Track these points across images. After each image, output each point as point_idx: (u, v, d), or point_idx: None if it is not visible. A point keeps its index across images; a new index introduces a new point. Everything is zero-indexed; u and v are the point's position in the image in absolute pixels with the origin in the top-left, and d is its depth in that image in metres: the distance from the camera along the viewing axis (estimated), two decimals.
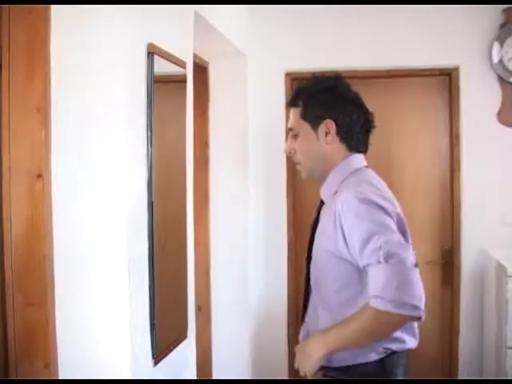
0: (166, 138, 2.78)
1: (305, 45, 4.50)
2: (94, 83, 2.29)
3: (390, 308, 1.90)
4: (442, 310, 4.57)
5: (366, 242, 1.99)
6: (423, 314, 1.93)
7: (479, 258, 4.38)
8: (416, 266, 1.96)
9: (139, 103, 2.42)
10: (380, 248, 1.95)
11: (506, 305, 3.67)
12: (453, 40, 4.44)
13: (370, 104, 4.68)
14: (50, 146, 2.28)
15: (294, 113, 2.31)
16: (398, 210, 2.15)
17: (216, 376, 4.33)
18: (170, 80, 2.91)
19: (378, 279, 1.95)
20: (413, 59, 4.44)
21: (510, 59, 4.37)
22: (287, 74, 4.55)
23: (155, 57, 2.50)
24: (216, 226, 4.34)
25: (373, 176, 2.28)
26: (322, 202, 2.41)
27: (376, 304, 1.93)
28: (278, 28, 4.51)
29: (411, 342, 2.21)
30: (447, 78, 4.55)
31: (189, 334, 2.96)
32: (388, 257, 1.94)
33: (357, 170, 2.26)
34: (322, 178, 2.35)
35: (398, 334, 2.11)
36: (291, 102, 2.34)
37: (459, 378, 4.46)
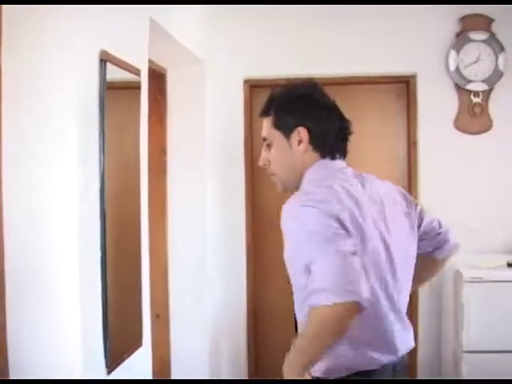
0: (120, 145, 2.77)
1: (263, 52, 4.51)
2: (45, 89, 2.28)
3: (324, 300, 1.80)
4: None
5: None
6: (364, 301, 1.80)
7: None
8: (354, 254, 1.87)
9: (91, 111, 2.40)
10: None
11: (462, 310, 3.71)
12: (410, 48, 4.49)
13: None
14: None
15: (267, 122, 2.23)
16: (339, 211, 1.98)
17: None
18: (124, 87, 2.90)
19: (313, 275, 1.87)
20: (371, 67, 4.47)
21: (466, 67, 4.43)
22: (246, 81, 4.56)
23: (108, 64, 2.49)
24: (174, 233, 4.31)
25: (335, 176, 2.15)
26: None
27: (312, 301, 1.84)
28: (237, 35, 4.50)
29: (384, 358, 2.09)
30: (405, 86, 4.60)
31: (144, 341, 2.94)
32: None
33: (323, 176, 2.15)
34: (296, 188, 2.24)
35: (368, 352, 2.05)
36: (263, 112, 2.26)
37: None
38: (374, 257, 2.02)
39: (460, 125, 4.49)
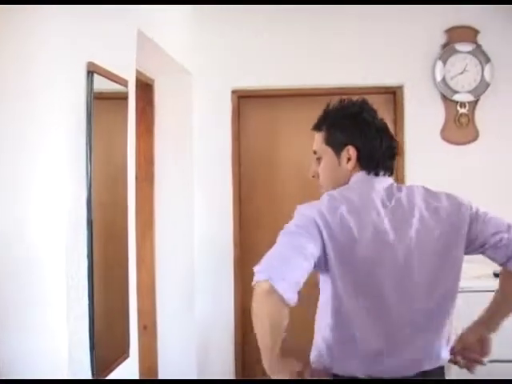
0: (108, 155, 2.77)
1: (251, 62, 4.52)
2: (32, 101, 2.27)
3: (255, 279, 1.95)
4: None
5: None
6: (282, 289, 1.88)
7: None
8: (297, 247, 1.99)
9: (78, 122, 2.40)
10: None
11: None
12: (397, 59, 4.52)
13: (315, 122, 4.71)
14: None
15: (318, 137, 2.30)
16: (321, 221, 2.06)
17: None
18: (112, 97, 2.90)
19: None
20: (359, 78, 4.49)
21: (452, 78, 4.46)
22: (234, 92, 4.56)
23: (96, 75, 2.49)
24: (162, 243, 4.31)
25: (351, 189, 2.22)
26: None
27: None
28: (225, 46, 4.51)
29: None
30: (392, 96, 4.62)
31: (131, 352, 2.94)
32: None
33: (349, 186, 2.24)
34: None
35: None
36: (316, 127, 2.31)
37: None
38: (364, 263, 2.04)
39: (447, 135, 4.52)
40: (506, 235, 2.20)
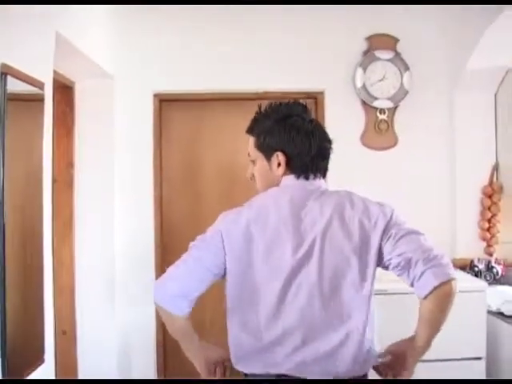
0: (23, 158, 2.73)
1: (174, 66, 4.51)
2: None
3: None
4: None
5: None
6: (161, 301, 2.20)
7: None
8: (198, 264, 2.20)
9: None
10: None
11: None
12: (319, 65, 4.58)
13: (240, 126, 4.74)
14: None
15: (251, 140, 2.33)
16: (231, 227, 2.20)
17: None
18: (29, 99, 2.87)
19: None
20: (281, 82, 4.51)
21: (372, 84, 4.54)
22: (156, 95, 4.54)
23: (9, 77, 2.46)
24: (82, 247, 4.25)
25: (266, 194, 2.29)
26: None
27: None
28: (146, 49, 4.49)
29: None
30: (313, 102, 4.66)
31: (46, 357, 2.89)
32: None
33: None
34: None
35: None
36: (249, 130, 2.35)
37: None
38: (260, 273, 2.13)
39: (366, 141, 4.61)
40: (414, 258, 2.09)
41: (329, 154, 2.32)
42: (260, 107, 2.33)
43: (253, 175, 2.35)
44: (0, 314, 2.39)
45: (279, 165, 2.24)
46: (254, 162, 2.33)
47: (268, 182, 2.29)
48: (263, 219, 2.15)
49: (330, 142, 2.32)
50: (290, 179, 2.25)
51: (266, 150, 2.26)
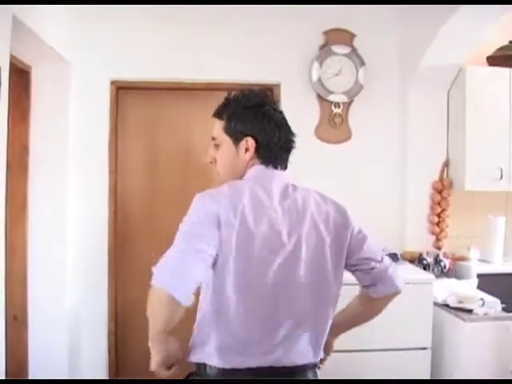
0: None
1: (131, 54, 4.50)
2: None
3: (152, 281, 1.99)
4: None
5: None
6: (178, 295, 1.96)
7: None
8: (199, 254, 2.02)
9: None
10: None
11: None
12: (275, 57, 4.62)
13: (195, 115, 4.77)
14: None
15: (218, 125, 2.32)
16: (224, 211, 2.10)
17: None
18: None
19: None
20: (236, 74, 4.53)
21: (327, 79, 4.60)
22: (112, 83, 4.53)
23: None
24: (34, 232, 4.23)
25: (241, 183, 2.25)
26: None
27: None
28: (104, 35, 4.46)
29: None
30: (269, 94, 4.69)
31: None
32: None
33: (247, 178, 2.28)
34: None
35: None
36: (217, 114, 2.34)
37: None
38: (257, 262, 2.11)
39: (320, 134, 4.67)
40: (378, 265, 2.33)
41: (292, 147, 2.37)
42: (230, 93, 2.34)
43: (214, 159, 2.35)
44: None
45: (247, 150, 2.26)
46: (217, 146, 2.32)
47: (232, 167, 2.30)
48: (256, 206, 2.14)
49: (294, 135, 2.37)
50: (261, 168, 2.27)
51: (236, 135, 2.27)
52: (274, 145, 2.27)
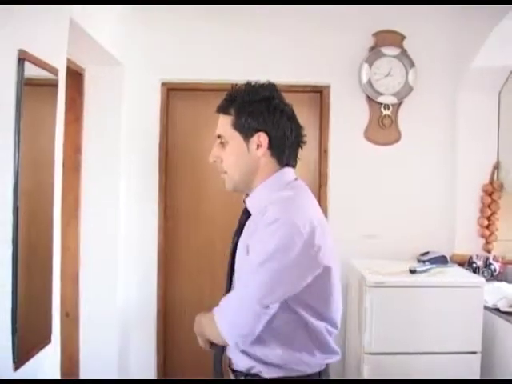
0: (36, 142, 2.78)
1: (182, 55, 4.55)
2: None
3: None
4: None
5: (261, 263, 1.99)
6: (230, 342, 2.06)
7: (344, 268, 4.54)
8: (267, 307, 1.99)
9: (7, 108, 2.41)
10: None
11: (365, 313, 3.84)
12: (325, 59, 4.62)
13: None
14: None
15: (225, 121, 2.19)
16: (319, 239, 2.05)
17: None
18: (42, 84, 2.90)
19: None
20: (287, 75, 4.53)
21: (377, 80, 4.58)
22: (163, 84, 4.59)
23: (26, 63, 2.51)
24: (86, 232, 4.30)
25: (306, 192, 2.22)
26: (247, 213, 2.27)
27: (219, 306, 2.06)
28: (156, 38, 4.53)
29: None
30: (319, 95, 4.72)
31: (53, 338, 2.95)
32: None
33: (288, 184, 2.19)
34: (247, 190, 2.25)
35: (334, 345, 2.20)
36: (222, 109, 2.20)
37: None
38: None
39: (370, 136, 4.65)
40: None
41: (303, 142, 2.26)
42: (234, 86, 2.22)
43: (220, 158, 2.23)
44: (12, 294, 2.44)
45: (259, 146, 2.15)
46: (223, 144, 2.21)
47: (243, 165, 2.19)
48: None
49: (303, 129, 2.26)
50: (291, 171, 2.23)
51: (246, 130, 2.14)
52: (287, 139, 2.17)
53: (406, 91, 4.60)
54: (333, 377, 4.50)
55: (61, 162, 3.07)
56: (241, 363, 2.19)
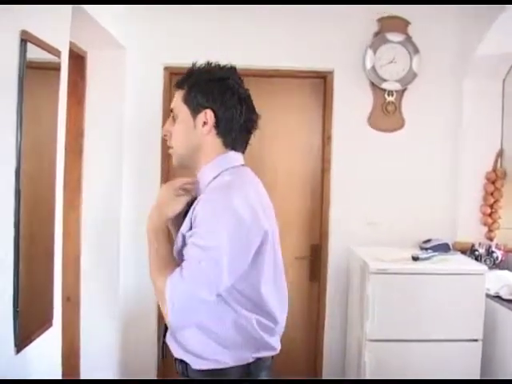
0: (39, 126, 2.76)
1: (185, 40, 4.51)
2: None
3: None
4: (309, 304, 4.74)
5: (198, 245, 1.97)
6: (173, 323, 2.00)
7: (345, 255, 4.56)
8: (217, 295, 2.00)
9: (10, 90, 2.40)
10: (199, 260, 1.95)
11: (367, 300, 3.84)
12: (329, 45, 4.59)
13: None
14: None
15: (178, 95, 2.18)
16: (265, 223, 2.07)
17: (84, 366, 4.31)
18: (44, 67, 2.88)
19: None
20: (291, 61, 4.54)
21: (381, 66, 4.55)
22: (166, 68, 4.56)
23: (28, 44, 2.49)
24: (88, 216, 4.30)
25: (248, 177, 2.21)
26: None
27: (170, 281, 1.98)
28: (159, 22, 4.50)
29: (278, 347, 2.21)
30: (322, 81, 4.69)
31: (54, 322, 2.95)
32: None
33: (232, 169, 2.16)
34: (192, 168, 2.24)
35: (270, 340, 2.15)
36: (178, 84, 2.20)
37: (324, 369, 4.65)
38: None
39: (373, 122, 4.63)
40: None
41: (254, 128, 2.24)
42: (195, 64, 2.23)
43: (170, 133, 2.21)
44: (14, 277, 2.44)
45: (205, 123, 2.13)
46: (174, 118, 2.19)
47: (188, 141, 2.17)
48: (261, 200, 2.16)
49: (257, 116, 2.24)
50: (237, 155, 2.22)
51: (194, 105, 2.14)
52: (235, 121, 2.15)
53: (410, 78, 4.57)
54: (334, 364, 4.53)
55: (63, 145, 3.06)
56: (174, 352, 2.21)
